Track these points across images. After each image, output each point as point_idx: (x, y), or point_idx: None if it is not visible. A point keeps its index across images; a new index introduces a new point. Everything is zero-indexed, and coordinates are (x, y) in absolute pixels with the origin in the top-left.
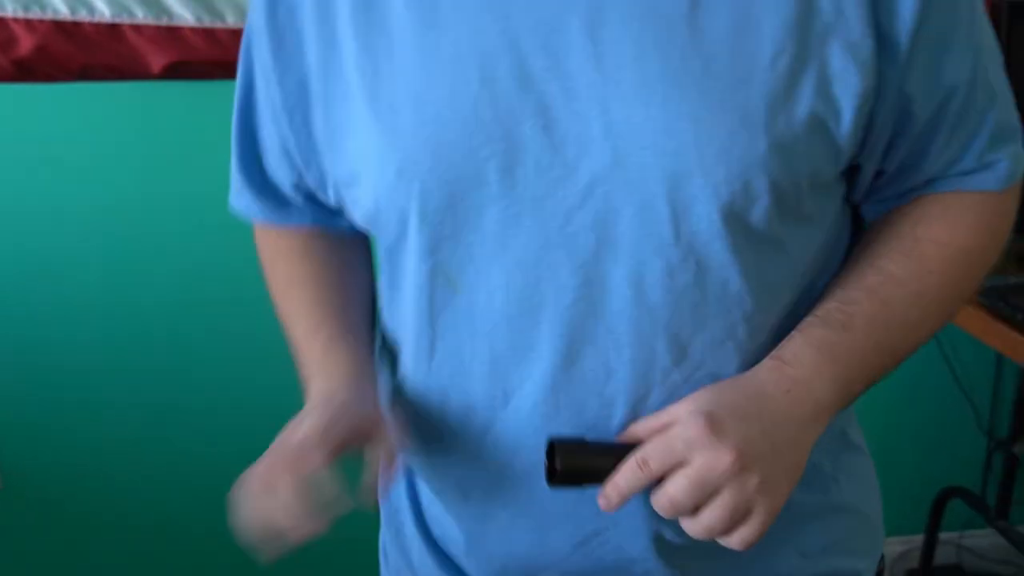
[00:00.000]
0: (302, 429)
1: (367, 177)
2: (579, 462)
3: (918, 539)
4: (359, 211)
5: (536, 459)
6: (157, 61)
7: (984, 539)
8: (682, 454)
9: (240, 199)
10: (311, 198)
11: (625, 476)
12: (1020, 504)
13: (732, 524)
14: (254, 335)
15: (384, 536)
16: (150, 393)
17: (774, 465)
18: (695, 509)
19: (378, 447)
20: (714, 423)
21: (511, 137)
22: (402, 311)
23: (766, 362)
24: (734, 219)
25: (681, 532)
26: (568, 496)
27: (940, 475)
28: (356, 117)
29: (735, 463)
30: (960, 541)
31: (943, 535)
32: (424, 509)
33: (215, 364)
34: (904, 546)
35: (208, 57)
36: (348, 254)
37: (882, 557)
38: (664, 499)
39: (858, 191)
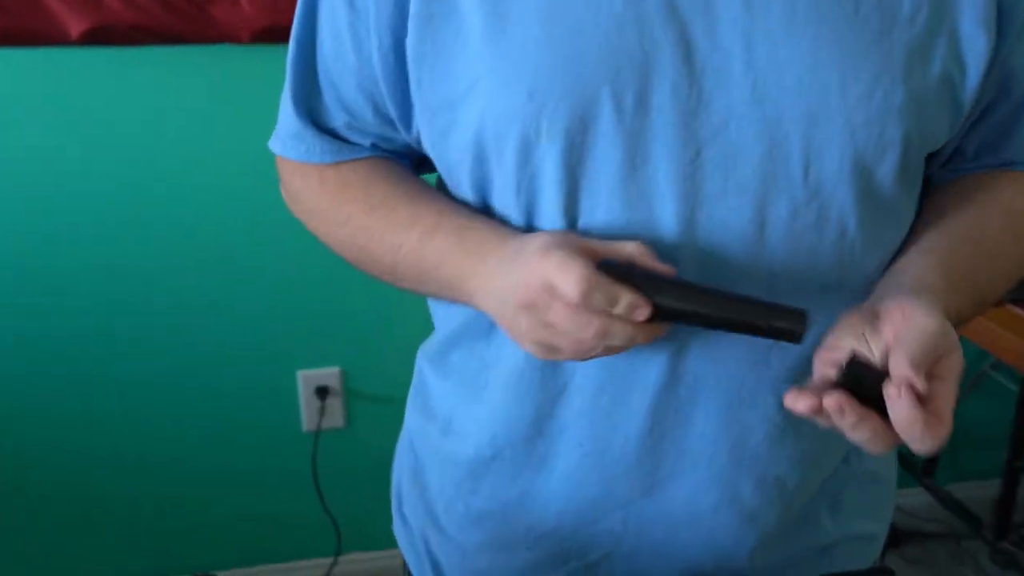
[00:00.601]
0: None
1: (480, 96)
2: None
3: None
4: (458, 138)
5: (629, 396)
6: (76, 27)
7: (914, 498)
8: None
9: (298, 143)
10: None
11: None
12: (947, 463)
13: None
14: (186, 306)
15: (400, 490)
16: (72, 362)
17: None
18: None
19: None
20: (934, 334)
21: (650, 62)
22: None
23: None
24: (862, 167)
25: (757, 487)
26: (653, 439)
27: None
28: (468, 31)
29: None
30: None
31: None
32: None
33: (141, 332)
34: None
35: (130, 22)
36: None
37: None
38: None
39: (932, 166)
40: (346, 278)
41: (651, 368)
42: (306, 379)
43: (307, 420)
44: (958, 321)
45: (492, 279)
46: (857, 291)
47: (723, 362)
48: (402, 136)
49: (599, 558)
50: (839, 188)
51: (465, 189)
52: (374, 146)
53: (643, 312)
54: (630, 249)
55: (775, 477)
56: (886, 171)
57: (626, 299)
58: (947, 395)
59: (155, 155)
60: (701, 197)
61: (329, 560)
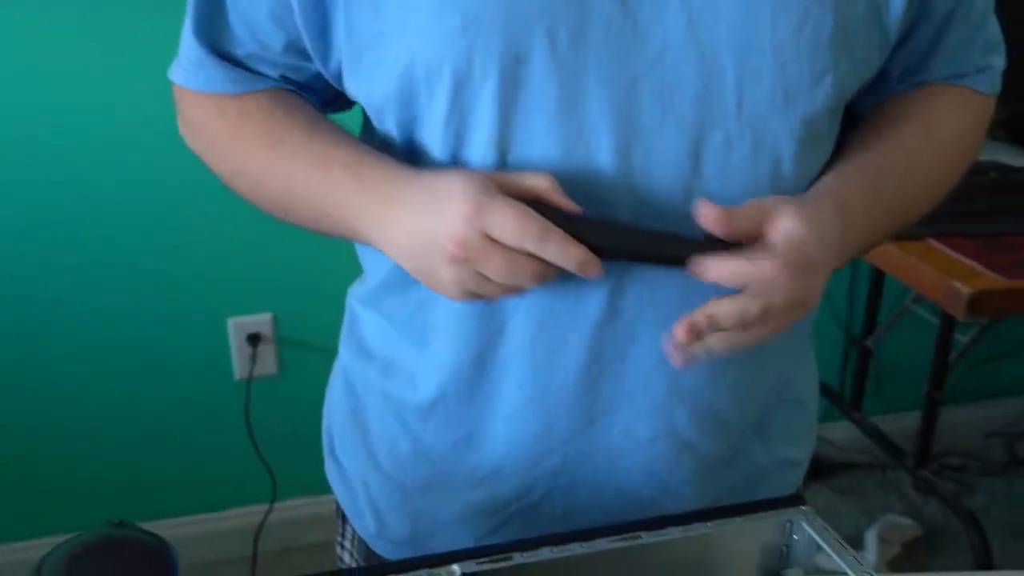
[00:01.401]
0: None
1: (410, 32)
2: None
3: None
4: (385, 75)
5: (567, 334)
6: None
7: (842, 431)
8: (774, 281)
9: (198, 72)
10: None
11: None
12: (872, 396)
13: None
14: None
15: (332, 432)
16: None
17: (829, 273)
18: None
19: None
20: (805, 255)
21: None
22: None
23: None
24: (796, 98)
25: (694, 419)
26: (593, 374)
27: None
28: None
29: (819, 291)
30: (820, 433)
31: None
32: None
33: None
34: None
35: None
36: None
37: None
38: (728, 321)
39: (858, 92)
40: (276, 222)
41: (588, 306)
42: (236, 326)
43: (239, 368)
44: (873, 227)
45: (399, 227)
46: None
47: (660, 298)
48: (313, 68)
49: (541, 496)
50: (772, 119)
51: (390, 125)
52: (281, 77)
53: (594, 270)
54: (536, 182)
55: (711, 409)
56: (819, 101)
57: (575, 254)
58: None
59: (78, 103)
60: (637, 131)
61: (265, 507)
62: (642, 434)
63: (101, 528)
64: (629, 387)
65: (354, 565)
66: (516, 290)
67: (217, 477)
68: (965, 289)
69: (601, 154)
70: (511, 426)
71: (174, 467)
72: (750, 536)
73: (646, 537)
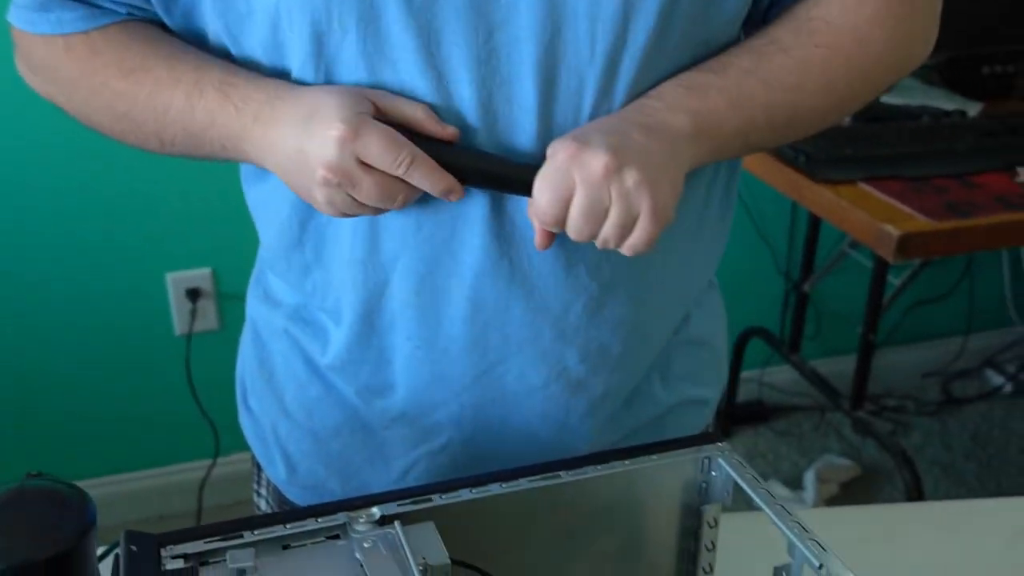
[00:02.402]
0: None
1: None
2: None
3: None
4: (254, 22)
5: (448, 283)
6: None
7: (782, 375)
8: (567, 173)
9: (44, 16)
10: None
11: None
12: (810, 339)
13: (624, 229)
14: None
15: (245, 379)
16: None
17: (649, 166)
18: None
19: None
20: (580, 138)
21: None
22: None
23: (632, 102)
24: (646, 41)
25: (583, 357)
26: (479, 323)
27: (742, 317)
28: None
29: (608, 164)
30: (761, 378)
31: (745, 373)
32: (312, 350)
33: None
34: None
35: None
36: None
37: (737, 381)
38: (572, 232)
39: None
40: (214, 175)
41: (468, 255)
42: (175, 281)
43: (179, 323)
44: (709, 117)
45: (277, 147)
46: None
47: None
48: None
49: (444, 442)
50: (624, 62)
51: (264, 71)
52: (130, 13)
53: (456, 196)
54: (413, 110)
55: (598, 345)
56: (673, 43)
57: (440, 180)
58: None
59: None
60: (496, 80)
61: (208, 462)
62: (535, 380)
63: (18, 482)
64: (516, 335)
65: (268, 509)
66: (384, 210)
67: (160, 433)
68: (895, 231)
69: (464, 104)
70: (407, 376)
71: (117, 424)
72: (669, 474)
73: (565, 476)
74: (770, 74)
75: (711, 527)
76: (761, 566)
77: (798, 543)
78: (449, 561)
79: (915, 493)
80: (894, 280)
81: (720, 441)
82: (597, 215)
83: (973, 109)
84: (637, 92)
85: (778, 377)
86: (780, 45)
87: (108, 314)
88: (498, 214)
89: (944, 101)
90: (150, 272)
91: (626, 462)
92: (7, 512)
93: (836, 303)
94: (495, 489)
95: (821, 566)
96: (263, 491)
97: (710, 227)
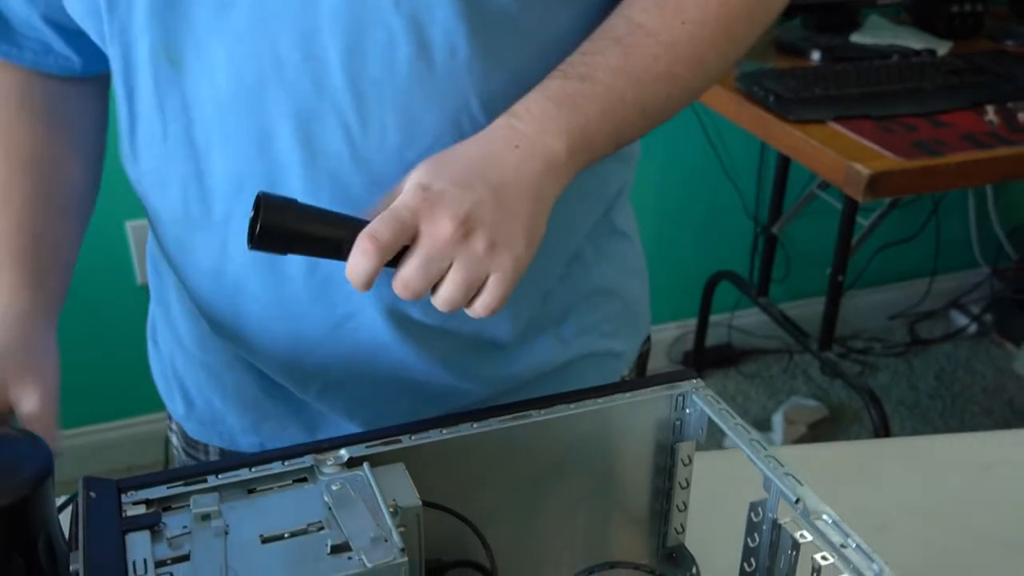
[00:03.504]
0: None
1: None
2: (287, 222)
3: (692, 323)
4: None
5: None
6: None
7: (750, 318)
8: (410, 222)
9: None
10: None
11: (357, 255)
12: (779, 282)
13: (469, 291)
14: None
15: (154, 314)
16: None
17: (505, 224)
18: (434, 287)
19: (28, 397)
20: (431, 195)
21: None
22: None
23: (497, 120)
24: None
25: (427, 312)
26: (316, 282)
27: (711, 261)
28: None
29: (457, 230)
30: (730, 322)
31: (714, 317)
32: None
33: None
34: (680, 330)
35: None
36: (79, 100)
37: (647, 339)
38: (399, 283)
39: None
40: None
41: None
42: (135, 230)
43: (140, 273)
44: (586, 131)
45: None
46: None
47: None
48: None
49: (320, 388)
50: (436, 9)
51: (96, 40)
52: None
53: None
54: (31, 405)
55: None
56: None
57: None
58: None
59: None
60: (298, 33)
61: None
62: (386, 334)
63: None
64: (358, 292)
65: (178, 445)
66: None
67: (125, 384)
68: (865, 171)
69: (262, 58)
70: (265, 333)
71: (81, 376)
72: (642, 412)
73: (537, 415)
74: (640, 68)
75: (685, 465)
76: (734, 503)
77: (774, 478)
78: (420, 503)
79: (883, 432)
80: (863, 222)
81: (694, 378)
82: (431, 275)
83: (942, 48)
84: (465, 46)
85: (747, 320)
86: (646, 30)
87: None
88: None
89: (913, 40)
90: (109, 221)
91: (598, 400)
92: None
93: (804, 246)
94: (466, 429)
95: (798, 500)
96: (173, 425)
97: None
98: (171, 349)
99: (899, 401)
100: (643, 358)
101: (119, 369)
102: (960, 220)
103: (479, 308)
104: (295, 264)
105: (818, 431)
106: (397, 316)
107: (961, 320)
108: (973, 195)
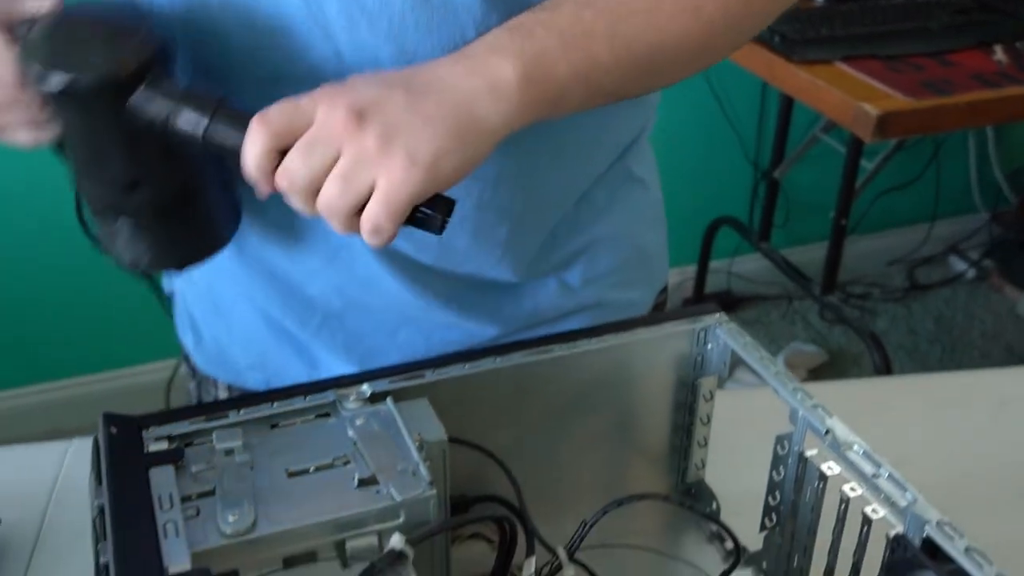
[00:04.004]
0: None
1: None
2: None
3: (691, 269)
4: None
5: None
6: None
7: (750, 264)
8: (307, 109)
9: None
10: None
11: (248, 138)
12: (780, 228)
13: (349, 192)
14: None
15: None
16: None
17: (412, 127)
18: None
19: None
20: (338, 87)
21: None
22: None
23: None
24: None
25: (420, 250)
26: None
27: (711, 207)
28: None
29: (350, 118)
30: (730, 268)
31: (714, 263)
32: None
33: None
34: (679, 277)
35: None
36: None
37: (664, 289)
38: (280, 171)
39: None
40: None
41: None
42: None
43: None
44: (543, 56)
45: None
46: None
47: None
48: None
49: (320, 322)
50: None
51: None
52: None
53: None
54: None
55: (437, 238)
56: None
57: None
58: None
59: None
60: None
61: (174, 362)
62: (379, 269)
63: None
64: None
65: (193, 379)
66: None
67: (125, 333)
68: (873, 111)
69: None
70: (264, 262)
71: (79, 324)
72: (664, 346)
73: (559, 350)
74: (614, 2)
75: (707, 400)
76: (754, 439)
77: (802, 410)
78: (446, 437)
79: (885, 373)
80: (866, 164)
81: (717, 312)
82: (313, 165)
83: None
84: None
85: (746, 267)
86: None
87: (65, 212)
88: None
89: None
90: None
91: (621, 335)
92: (71, 26)
93: (805, 191)
94: (488, 364)
95: (827, 432)
96: (185, 365)
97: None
98: (183, 282)
99: (898, 346)
100: (659, 308)
101: (117, 318)
102: (960, 164)
103: (364, 224)
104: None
105: (818, 376)
106: (388, 252)
107: (959, 265)
108: (974, 138)
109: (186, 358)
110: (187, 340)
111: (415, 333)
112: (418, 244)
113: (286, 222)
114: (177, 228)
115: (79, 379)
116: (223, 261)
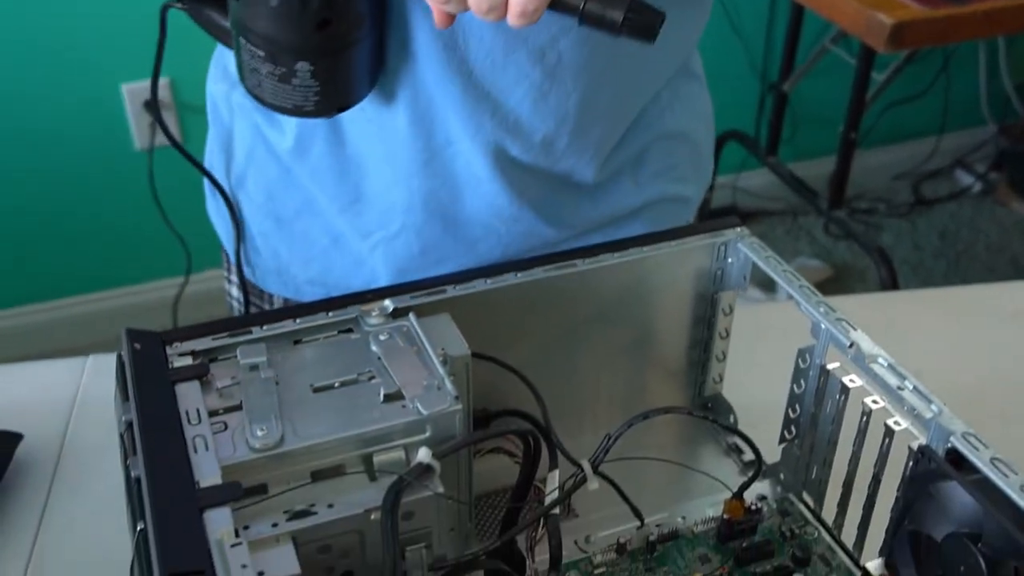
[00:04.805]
0: None
1: None
2: None
3: None
4: None
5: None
6: None
7: (755, 179)
8: None
9: None
10: None
11: None
12: (787, 142)
13: None
14: None
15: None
16: None
17: None
18: None
19: None
20: None
21: None
22: None
23: None
24: None
25: (526, 150)
26: (416, 108)
27: (717, 121)
28: None
29: None
30: (735, 183)
31: (720, 179)
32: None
33: None
34: None
35: None
36: None
37: (712, 186)
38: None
39: None
40: None
41: (407, 33)
42: (131, 93)
43: (138, 138)
44: None
45: None
46: None
47: (477, 27)
48: None
49: (398, 228)
50: None
51: None
52: None
53: None
54: None
55: (542, 136)
56: None
57: None
58: None
59: None
60: None
61: (181, 279)
62: (480, 170)
63: None
64: (457, 122)
65: (240, 297)
66: None
67: (129, 251)
68: (887, 20)
69: None
70: (358, 153)
71: (83, 243)
72: (684, 261)
73: (581, 264)
74: None
75: (726, 314)
76: (766, 354)
77: (825, 322)
78: (469, 351)
79: (891, 287)
80: (876, 76)
81: (738, 226)
82: None
83: None
84: None
85: (751, 182)
86: None
87: (64, 129)
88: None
89: None
90: (104, 83)
91: (643, 249)
92: None
93: (812, 104)
94: (510, 279)
95: (851, 344)
96: (233, 278)
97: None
98: (234, 196)
99: (903, 260)
100: (706, 204)
101: (122, 236)
102: (970, 75)
103: (514, 7)
104: (401, 86)
105: (823, 291)
106: (496, 152)
107: (966, 179)
108: (984, 49)
109: (229, 268)
110: (239, 254)
111: (495, 246)
112: (524, 143)
113: (392, 118)
114: (344, 71)
115: (78, 298)
116: (294, 163)
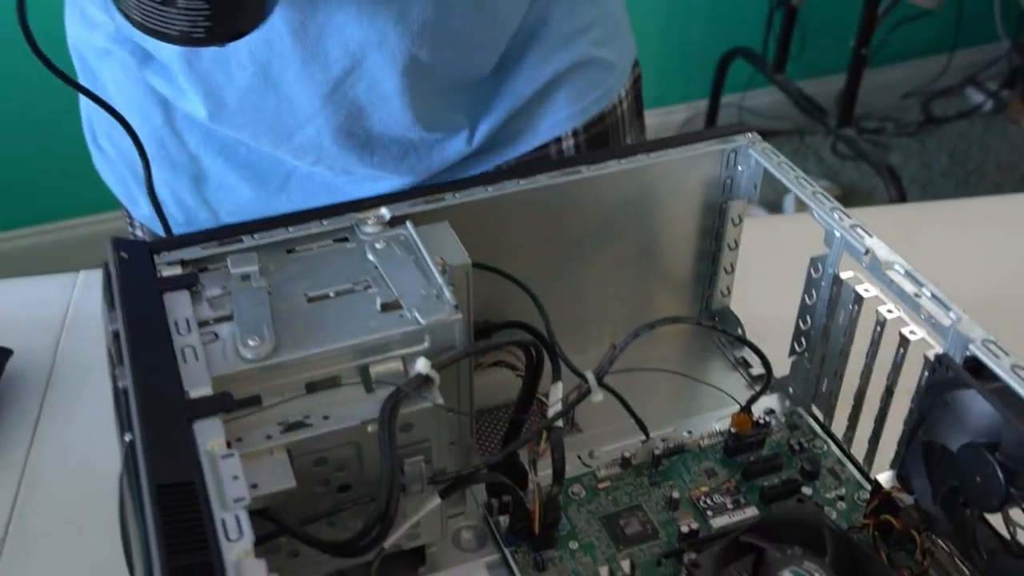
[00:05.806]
0: None
1: None
2: None
3: (702, 104)
4: None
5: None
6: None
7: (762, 98)
8: None
9: None
10: None
11: None
12: (795, 59)
13: None
14: None
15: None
16: None
17: None
18: None
19: None
20: None
21: None
22: None
23: None
24: None
25: (435, 47)
26: (310, 38)
27: (724, 38)
28: None
29: None
30: (741, 102)
31: (725, 98)
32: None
33: None
34: (689, 112)
35: None
36: None
37: (636, 63)
38: None
39: None
40: None
41: None
42: None
43: None
44: None
45: None
46: None
47: None
48: None
49: (313, 161)
50: None
51: None
52: None
53: None
54: None
55: (448, 33)
56: None
57: None
58: None
59: None
60: None
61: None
62: (388, 84)
63: None
64: (358, 42)
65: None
66: None
67: (72, 185)
68: None
69: None
70: (248, 105)
71: (27, 176)
72: (692, 168)
73: (586, 171)
74: None
75: (735, 225)
76: (773, 268)
77: (840, 229)
78: (469, 260)
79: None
80: None
81: (749, 132)
82: None
83: None
84: None
85: (757, 101)
86: None
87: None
88: None
89: None
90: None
91: (650, 155)
92: None
93: (822, 19)
94: (512, 186)
95: (867, 252)
96: (138, 233)
97: None
98: (124, 148)
99: (912, 180)
100: (636, 83)
101: (64, 171)
102: None
103: None
104: (284, 22)
105: None
106: (405, 56)
107: (976, 98)
108: None
109: (132, 223)
110: (140, 210)
111: (419, 160)
112: (433, 47)
113: (280, 58)
114: None
115: (20, 231)
116: (190, 120)
